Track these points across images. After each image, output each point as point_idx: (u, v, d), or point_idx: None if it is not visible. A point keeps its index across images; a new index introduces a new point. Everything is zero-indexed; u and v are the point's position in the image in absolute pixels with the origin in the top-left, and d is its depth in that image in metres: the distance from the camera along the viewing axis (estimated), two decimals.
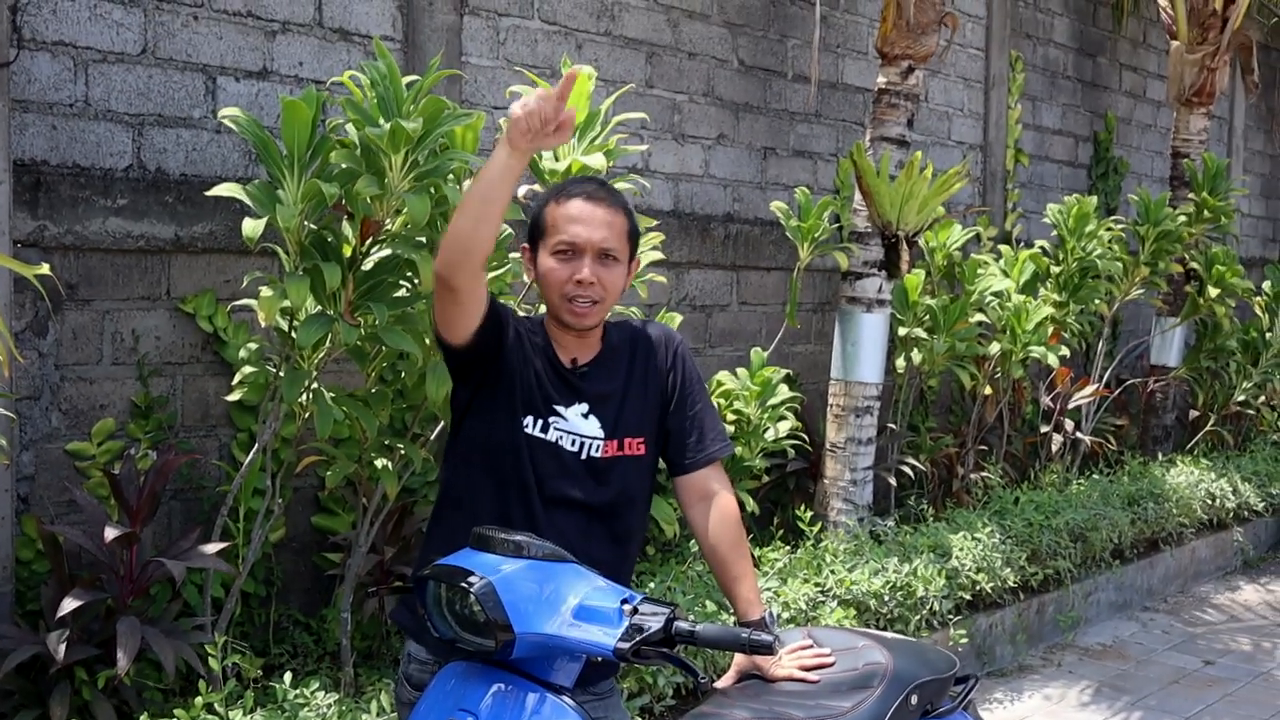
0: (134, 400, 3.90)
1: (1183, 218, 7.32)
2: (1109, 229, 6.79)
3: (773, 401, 5.10)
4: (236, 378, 3.86)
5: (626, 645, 2.07)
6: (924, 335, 5.90)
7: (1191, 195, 7.67)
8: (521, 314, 2.86)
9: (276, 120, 3.82)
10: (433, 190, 3.36)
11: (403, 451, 3.78)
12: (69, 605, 3.25)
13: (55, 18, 3.71)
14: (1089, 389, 7.11)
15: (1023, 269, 6.50)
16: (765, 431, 5.11)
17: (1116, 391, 7.68)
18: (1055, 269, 6.71)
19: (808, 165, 6.46)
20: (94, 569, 3.55)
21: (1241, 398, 8.24)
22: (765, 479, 5.60)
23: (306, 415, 3.61)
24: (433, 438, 3.94)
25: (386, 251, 3.45)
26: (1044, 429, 7.05)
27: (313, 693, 3.43)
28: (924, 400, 6.69)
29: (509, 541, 2.15)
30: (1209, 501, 7.24)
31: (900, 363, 6.02)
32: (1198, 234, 7.62)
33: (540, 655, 2.15)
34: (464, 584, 2.07)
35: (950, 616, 5.06)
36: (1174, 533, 6.91)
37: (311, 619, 4.23)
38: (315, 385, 3.56)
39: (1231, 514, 7.46)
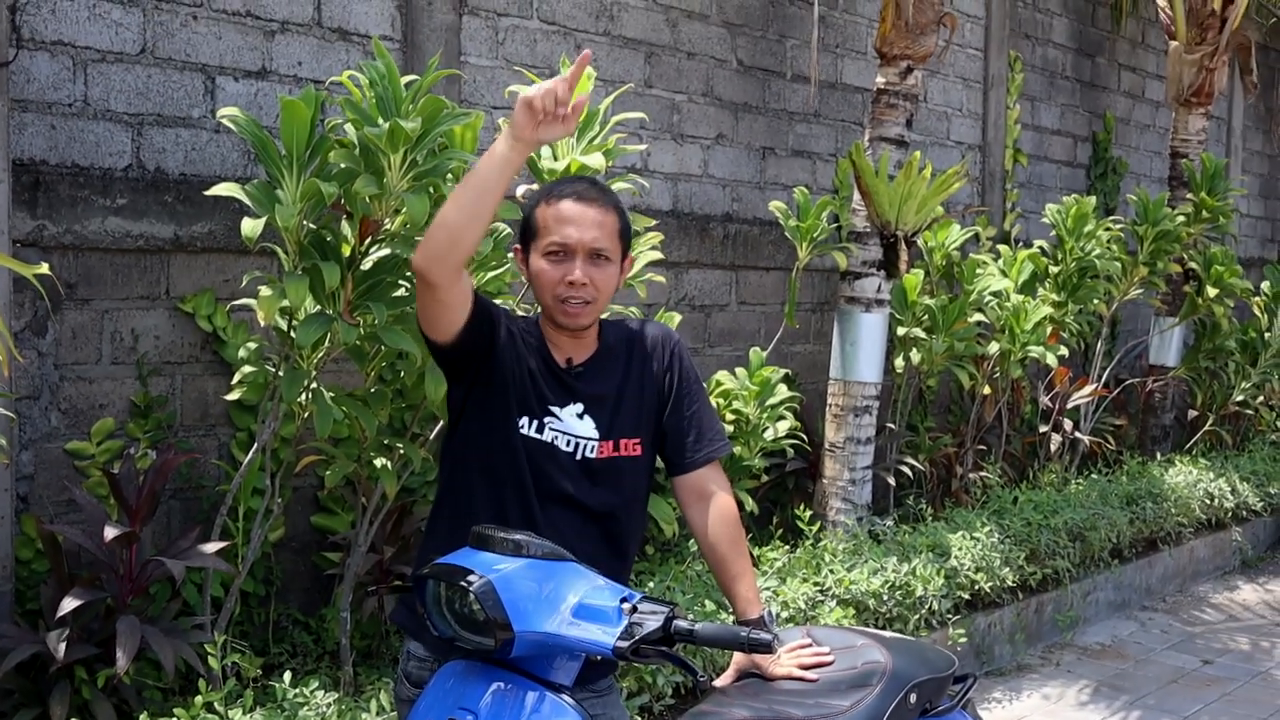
0: (133, 400, 3.90)
1: (1181, 218, 7.33)
2: (1107, 229, 6.79)
3: (772, 401, 5.10)
4: (236, 377, 3.87)
5: (626, 644, 2.07)
6: (923, 335, 5.91)
7: (1190, 195, 7.67)
8: (520, 314, 2.87)
9: (275, 120, 3.83)
10: (431, 190, 3.36)
11: (402, 451, 3.79)
12: (69, 604, 3.25)
13: (54, 17, 3.72)
14: (1087, 389, 7.11)
15: (1021, 269, 6.50)
16: (764, 431, 5.11)
17: (1115, 391, 7.69)
18: (1054, 269, 6.72)
19: (807, 165, 6.47)
20: (93, 568, 3.55)
21: (1240, 398, 8.25)
22: (764, 479, 5.60)
23: (306, 415, 3.61)
24: (432, 437, 3.94)
25: (385, 251, 3.46)
26: (1043, 429, 7.06)
27: (312, 692, 3.43)
28: (923, 400, 6.70)
29: (508, 540, 2.15)
30: (1207, 501, 7.24)
31: (899, 362, 6.03)
32: (1196, 234, 7.63)
33: (539, 654, 2.15)
34: (463, 583, 2.07)
35: (949, 616, 5.07)
36: (1172, 532, 6.91)
37: (311, 618, 4.23)
38: (314, 385, 3.56)
39: (1230, 514, 7.46)
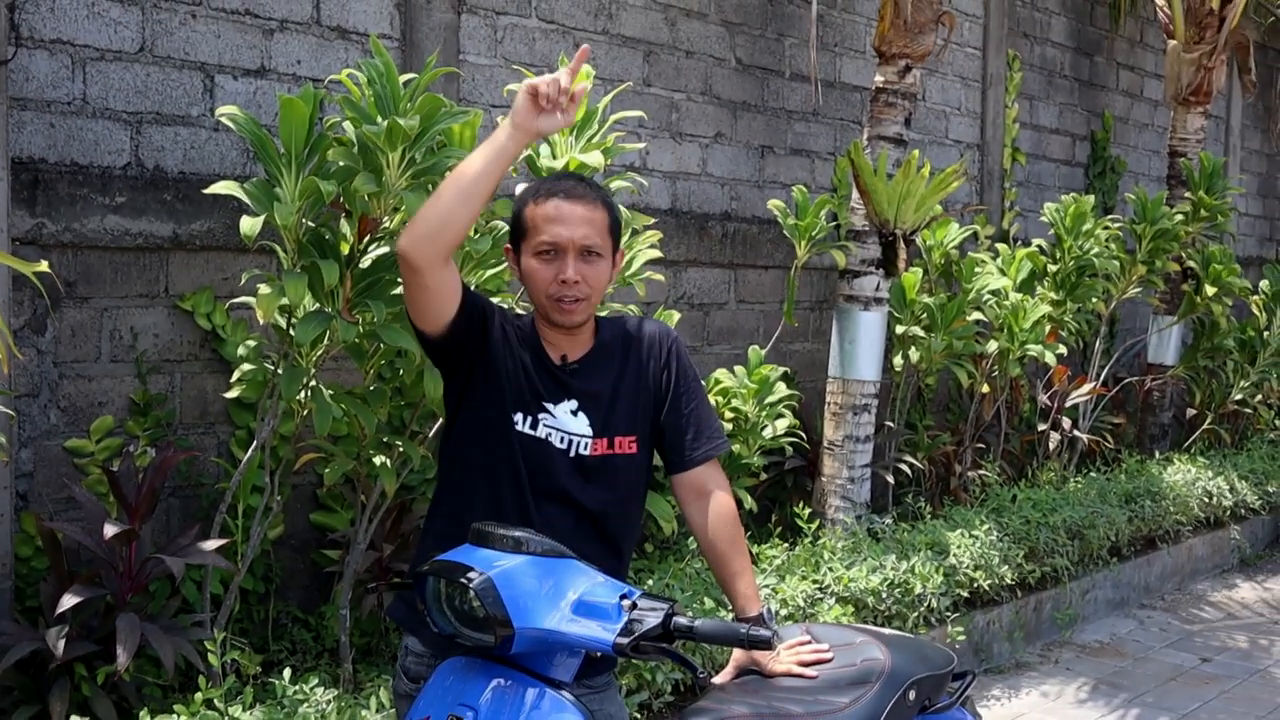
0: (132, 397, 3.90)
1: (1180, 216, 7.33)
2: (1106, 228, 6.80)
3: (770, 399, 5.11)
4: (235, 375, 3.87)
5: (625, 640, 2.07)
6: (921, 333, 5.91)
7: (1188, 194, 7.68)
8: (520, 311, 2.87)
9: (274, 118, 3.83)
10: (430, 187, 3.36)
11: (401, 448, 3.79)
12: (68, 602, 3.26)
13: (53, 15, 3.72)
14: (1086, 387, 7.12)
15: (1020, 267, 6.51)
16: (763, 429, 5.11)
17: (1114, 390, 7.69)
18: (1052, 267, 6.72)
19: (805, 164, 6.47)
20: (93, 566, 3.55)
21: (1239, 396, 8.26)
22: (763, 477, 5.61)
23: (305, 412, 3.62)
24: (431, 435, 3.95)
25: (384, 249, 3.46)
26: (1041, 427, 7.06)
27: (312, 689, 3.43)
28: (921, 398, 6.70)
29: (508, 537, 2.15)
30: (1206, 500, 7.25)
31: (898, 361, 6.03)
32: (1195, 233, 7.63)
33: (539, 650, 2.15)
34: (463, 579, 2.08)
35: (948, 614, 5.07)
36: (1171, 531, 6.92)
37: (310, 615, 4.23)
38: (313, 382, 3.56)
39: (1228, 512, 7.47)
